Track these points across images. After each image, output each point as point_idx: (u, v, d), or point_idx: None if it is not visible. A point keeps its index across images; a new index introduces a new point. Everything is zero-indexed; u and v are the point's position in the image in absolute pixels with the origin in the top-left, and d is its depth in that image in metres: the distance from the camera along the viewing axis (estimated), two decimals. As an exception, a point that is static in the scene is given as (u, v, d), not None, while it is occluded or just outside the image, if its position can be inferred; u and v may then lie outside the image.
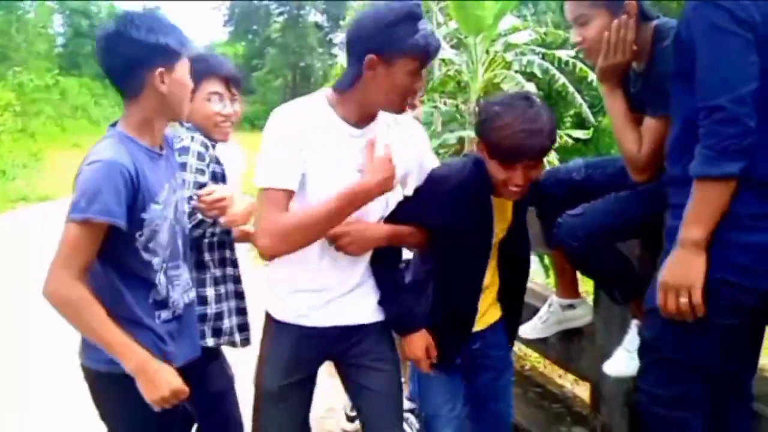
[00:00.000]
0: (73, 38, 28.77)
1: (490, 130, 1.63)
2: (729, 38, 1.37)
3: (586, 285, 2.33)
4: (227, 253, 2.02)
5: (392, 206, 1.76)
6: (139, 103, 1.57)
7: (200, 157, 1.90)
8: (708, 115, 1.38)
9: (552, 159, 7.34)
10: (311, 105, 1.63)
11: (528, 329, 2.26)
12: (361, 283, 1.72)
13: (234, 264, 2.05)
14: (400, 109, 1.64)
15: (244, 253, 2.42)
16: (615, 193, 1.83)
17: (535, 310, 2.29)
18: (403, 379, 2.58)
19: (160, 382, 1.52)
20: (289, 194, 1.56)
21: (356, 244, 1.63)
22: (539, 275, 4.52)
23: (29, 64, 20.82)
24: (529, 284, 2.04)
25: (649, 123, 1.71)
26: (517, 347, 3.06)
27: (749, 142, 1.35)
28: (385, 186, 1.59)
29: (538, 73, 8.37)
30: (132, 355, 1.49)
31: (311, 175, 1.59)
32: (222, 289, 1.98)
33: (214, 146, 1.99)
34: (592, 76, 7.73)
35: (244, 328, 2.04)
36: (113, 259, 1.53)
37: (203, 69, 1.91)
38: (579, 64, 8.48)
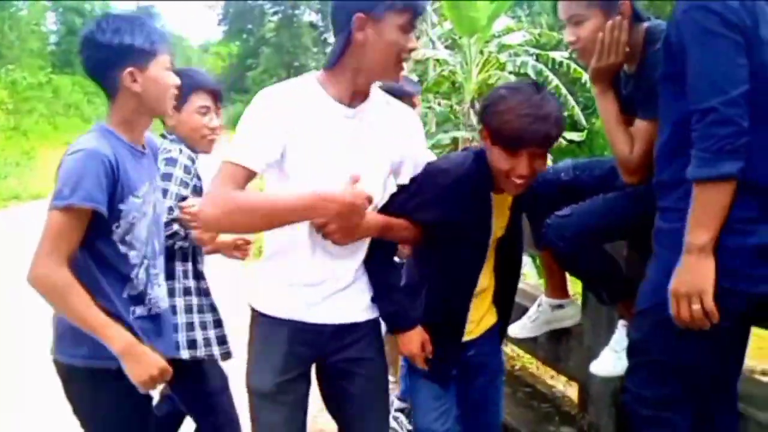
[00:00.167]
0: (66, 36, 28.56)
1: (494, 114, 1.56)
2: (719, 41, 1.38)
3: (575, 286, 2.35)
4: (198, 266, 2.07)
5: (386, 196, 1.70)
6: (117, 103, 1.62)
7: (186, 170, 1.97)
8: (701, 118, 1.38)
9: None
10: (300, 86, 1.58)
11: (517, 328, 2.27)
12: (356, 279, 1.67)
13: (202, 276, 2.08)
14: (395, 74, 1.57)
15: (234, 263, 2.42)
16: (603, 195, 1.84)
17: (525, 310, 2.30)
18: (393, 379, 2.58)
19: (146, 362, 1.54)
20: (250, 174, 1.49)
21: (343, 232, 1.54)
22: (533, 276, 4.53)
23: (22, 62, 20.72)
24: (520, 284, 2.04)
25: (641, 125, 1.71)
26: (509, 348, 3.08)
27: (744, 142, 1.36)
28: (348, 211, 1.50)
29: (532, 75, 8.37)
30: (118, 337, 1.52)
31: (301, 157, 1.53)
32: (191, 300, 2.01)
33: (196, 158, 2.07)
34: (586, 78, 7.75)
35: (222, 341, 2.06)
36: (91, 249, 1.56)
37: (191, 83, 1.97)
38: (573, 66, 8.50)
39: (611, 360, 1.90)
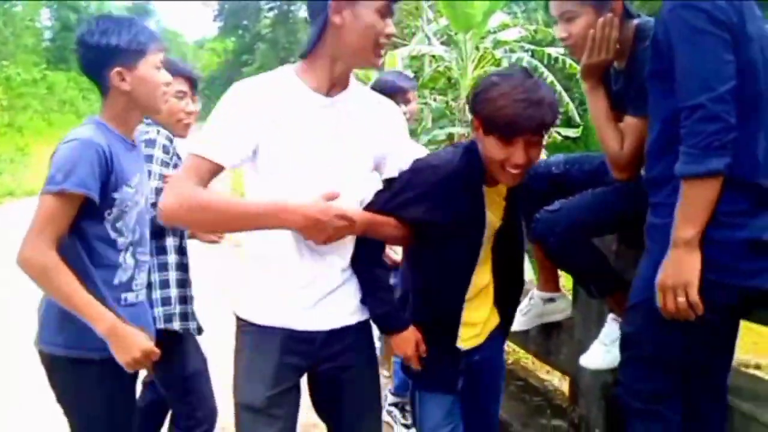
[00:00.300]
0: (61, 32, 28.42)
1: (487, 102, 1.50)
2: (706, 39, 1.39)
3: (567, 282, 2.36)
4: (183, 242, 2.15)
5: (371, 193, 1.65)
6: (108, 100, 1.68)
7: (165, 149, 2.02)
8: (689, 115, 1.40)
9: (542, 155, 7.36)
10: (275, 78, 1.54)
11: (509, 322, 2.28)
12: (345, 280, 1.62)
13: (185, 252, 2.17)
14: (374, 59, 1.51)
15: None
16: (591, 190, 1.86)
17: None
18: (387, 374, 2.60)
19: (132, 343, 1.58)
20: (215, 168, 1.45)
21: (323, 230, 1.47)
22: (528, 271, 4.53)
23: (16, 58, 20.60)
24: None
25: (631, 122, 1.72)
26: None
27: (731, 138, 1.37)
28: (313, 225, 1.45)
29: (527, 71, 8.36)
30: (103, 318, 1.56)
31: (279, 150, 1.49)
32: (167, 275, 2.08)
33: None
34: (581, 74, 7.74)
35: (185, 317, 2.13)
36: (82, 236, 1.60)
37: (170, 70, 2.03)
38: (569, 62, 8.50)
39: (600, 353, 1.91)
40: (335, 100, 1.54)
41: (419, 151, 1.87)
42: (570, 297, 2.25)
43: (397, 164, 1.65)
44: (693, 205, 1.42)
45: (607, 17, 1.69)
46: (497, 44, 8.70)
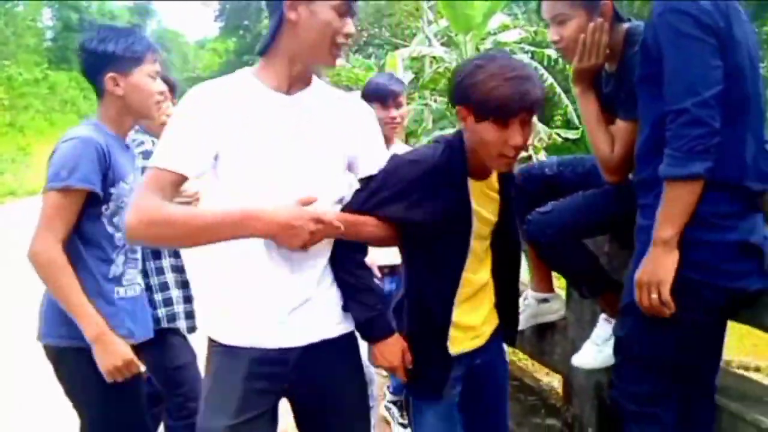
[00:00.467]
0: (63, 32, 28.46)
1: (475, 87, 1.42)
2: (693, 44, 1.41)
3: (560, 281, 2.38)
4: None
5: (349, 193, 1.57)
6: (104, 103, 1.77)
7: None
8: (674, 118, 1.42)
9: (542, 157, 7.39)
10: (232, 80, 1.47)
11: (503, 323, 2.30)
12: (325, 287, 1.52)
13: (177, 255, 2.25)
14: (330, 58, 1.45)
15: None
16: (582, 192, 1.87)
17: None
18: (384, 373, 2.62)
19: (114, 352, 1.64)
20: (177, 179, 1.37)
21: (298, 236, 1.38)
22: (524, 271, 4.53)
23: (18, 58, 20.66)
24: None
25: (622, 125, 1.73)
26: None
27: (715, 142, 1.40)
28: (288, 231, 1.37)
29: (527, 72, 8.37)
30: (92, 322, 1.63)
31: (240, 153, 1.42)
32: (165, 278, 2.18)
33: None
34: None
35: (190, 315, 2.25)
36: (80, 229, 1.67)
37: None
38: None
39: (592, 353, 1.93)
40: (296, 99, 1.48)
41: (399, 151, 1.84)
42: (564, 297, 2.28)
43: (372, 162, 1.57)
44: (674, 207, 1.45)
45: (598, 22, 1.70)
46: (497, 45, 8.71)
